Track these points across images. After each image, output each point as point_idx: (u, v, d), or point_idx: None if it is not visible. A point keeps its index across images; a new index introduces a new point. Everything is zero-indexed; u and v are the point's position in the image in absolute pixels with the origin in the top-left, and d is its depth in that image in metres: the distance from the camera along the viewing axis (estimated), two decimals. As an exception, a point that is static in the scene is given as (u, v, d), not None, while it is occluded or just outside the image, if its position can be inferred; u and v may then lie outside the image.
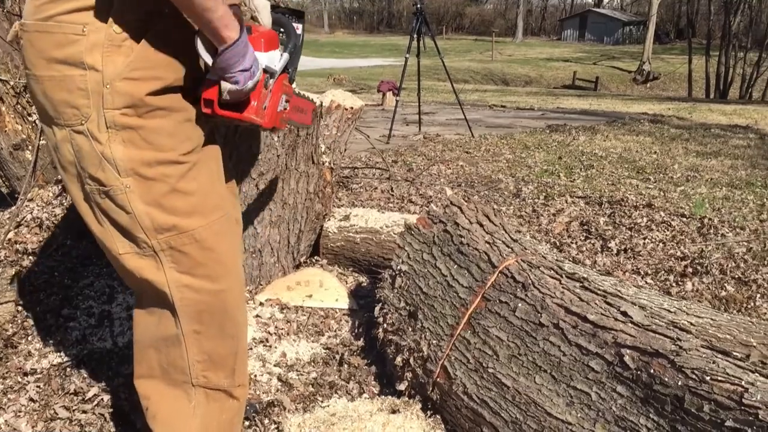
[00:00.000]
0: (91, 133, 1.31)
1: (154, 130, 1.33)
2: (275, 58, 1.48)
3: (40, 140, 3.41)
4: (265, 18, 1.54)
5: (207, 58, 1.36)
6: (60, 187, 3.38)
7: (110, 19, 1.26)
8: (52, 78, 1.29)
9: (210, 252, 1.46)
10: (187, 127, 1.40)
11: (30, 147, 3.50)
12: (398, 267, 2.25)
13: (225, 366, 1.55)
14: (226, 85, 1.36)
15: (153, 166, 1.34)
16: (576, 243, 3.89)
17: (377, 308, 2.27)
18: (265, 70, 1.44)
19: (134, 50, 1.28)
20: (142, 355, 1.55)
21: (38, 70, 1.31)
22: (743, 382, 1.34)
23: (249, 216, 2.74)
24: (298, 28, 1.68)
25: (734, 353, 1.46)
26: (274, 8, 1.67)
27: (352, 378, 2.27)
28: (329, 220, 3.23)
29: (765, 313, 2.94)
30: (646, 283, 3.29)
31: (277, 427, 1.99)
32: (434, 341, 2.01)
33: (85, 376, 2.20)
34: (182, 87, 1.39)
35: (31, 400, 2.07)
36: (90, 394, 2.09)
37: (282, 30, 1.62)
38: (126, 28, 1.28)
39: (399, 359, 2.11)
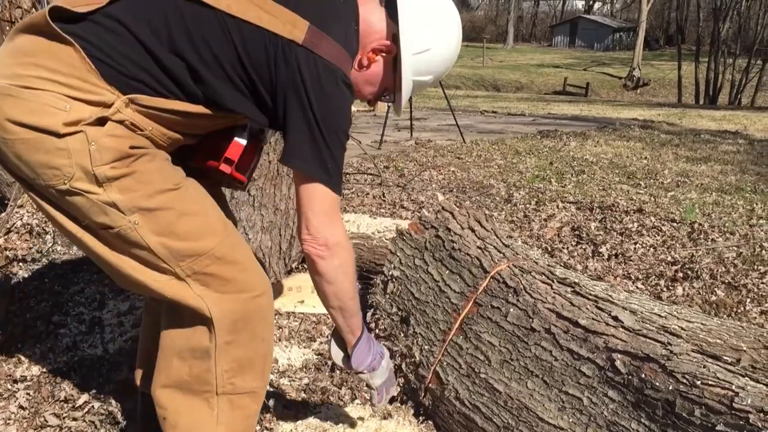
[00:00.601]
0: (81, 189, 1.29)
1: (144, 172, 1.34)
2: (266, 130, 1.64)
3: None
4: None
5: (338, 359, 1.71)
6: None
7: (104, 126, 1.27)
8: (24, 141, 1.26)
9: (234, 265, 1.47)
10: (169, 163, 1.43)
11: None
12: (390, 272, 2.25)
13: (254, 369, 1.55)
14: (372, 380, 1.71)
15: (154, 196, 1.35)
16: (567, 248, 3.90)
17: (369, 314, 2.27)
18: (260, 139, 1.63)
19: (111, 123, 1.29)
20: (165, 364, 1.53)
21: (6, 133, 1.26)
22: (734, 387, 1.35)
23: (240, 222, 2.73)
24: None
25: (725, 357, 1.47)
26: None
27: (344, 384, 2.27)
28: (321, 225, 3.22)
29: (755, 318, 2.95)
30: (637, 288, 3.30)
31: (269, 434, 1.98)
32: (426, 347, 2.01)
33: (76, 383, 2.18)
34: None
35: (21, 407, 2.05)
36: (80, 402, 2.08)
37: None
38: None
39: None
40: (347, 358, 1.69)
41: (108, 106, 1.27)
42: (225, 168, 1.55)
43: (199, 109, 1.39)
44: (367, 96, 1.61)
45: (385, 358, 1.74)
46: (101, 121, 1.27)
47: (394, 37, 1.50)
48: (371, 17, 1.50)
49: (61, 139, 1.25)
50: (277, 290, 2.85)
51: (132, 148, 1.32)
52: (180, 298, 1.43)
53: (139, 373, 1.84)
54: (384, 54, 1.53)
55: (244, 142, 1.56)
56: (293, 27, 1.35)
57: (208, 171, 1.58)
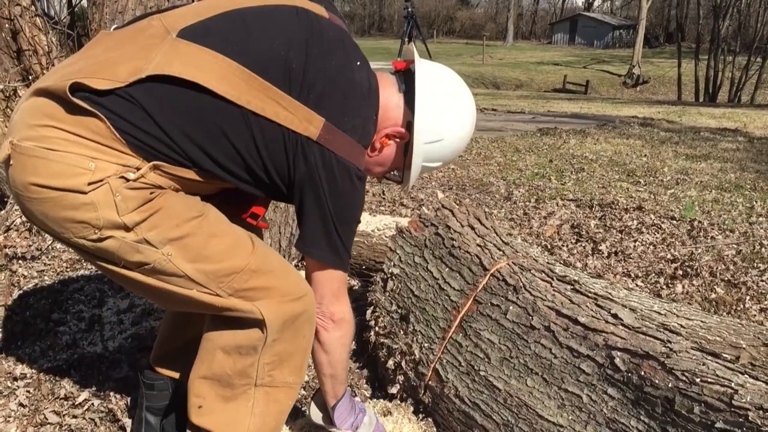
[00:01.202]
0: (111, 236, 1.31)
1: (168, 207, 1.37)
2: None
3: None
4: None
5: (317, 419, 1.79)
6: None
7: (126, 176, 1.29)
8: (49, 199, 1.27)
9: (271, 273, 1.50)
10: (188, 194, 1.45)
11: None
12: (390, 270, 2.25)
13: (292, 362, 1.58)
14: None
15: (181, 225, 1.38)
16: (567, 246, 3.91)
17: (369, 311, 2.27)
18: None
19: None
20: (208, 355, 1.55)
21: (30, 194, 1.28)
22: (733, 384, 1.35)
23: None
24: None
25: (724, 355, 1.47)
26: None
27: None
28: (321, 223, 3.22)
29: (754, 315, 2.96)
30: (637, 285, 3.30)
31: (269, 431, 1.98)
32: (426, 344, 2.01)
33: (76, 380, 2.19)
34: None
35: (21, 405, 2.05)
36: (80, 399, 2.08)
37: None
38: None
39: (391, 362, 2.11)
40: (327, 417, 1.77)
41: (134, 169, 1.30)
42: (251, 221, 1.62)
43: (217, 180, 1.45)
44: (375, 174, 1.67)
45: (368, 415, 1.81)
46: (124, 177, 1.29)
47: (408, 124, 1.55)
48: (390, 103, 1.55)
49: (86, 195, 1.26)
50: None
51: (152, 193, 1.34)
52: (231, 306, 1.45)
53: (157, 358, 1.86)
54: (397, 140, 1.58)
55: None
56: (309, 124, 1.39)
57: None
